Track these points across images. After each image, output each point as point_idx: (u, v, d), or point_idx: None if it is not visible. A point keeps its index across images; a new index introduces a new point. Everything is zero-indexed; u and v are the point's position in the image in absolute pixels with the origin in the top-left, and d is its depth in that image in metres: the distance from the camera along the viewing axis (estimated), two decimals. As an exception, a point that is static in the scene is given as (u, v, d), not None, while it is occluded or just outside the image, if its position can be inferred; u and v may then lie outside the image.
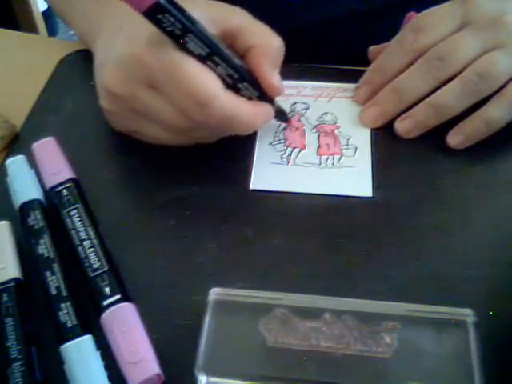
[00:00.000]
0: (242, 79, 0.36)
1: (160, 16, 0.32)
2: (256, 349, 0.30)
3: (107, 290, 0.32)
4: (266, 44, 0.37)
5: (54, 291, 0.32)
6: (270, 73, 0.37)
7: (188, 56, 0.34)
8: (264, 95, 0.38)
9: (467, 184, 0.39)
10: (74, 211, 0.36)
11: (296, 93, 0.45)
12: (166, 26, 0.32)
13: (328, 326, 0.30)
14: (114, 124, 0.40)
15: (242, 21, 0.37)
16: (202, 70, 0.34)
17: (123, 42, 0.36)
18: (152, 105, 0.36)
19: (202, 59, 0.34)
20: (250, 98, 0.37)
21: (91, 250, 0.34)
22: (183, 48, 0.34)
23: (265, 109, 0.38)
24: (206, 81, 0.34)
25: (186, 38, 0.33)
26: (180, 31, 0.33)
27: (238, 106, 0.36)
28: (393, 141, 0.41)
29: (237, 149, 0.40)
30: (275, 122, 0.42)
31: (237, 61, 0.36)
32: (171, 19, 0.32)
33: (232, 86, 0.36)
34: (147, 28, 0.33)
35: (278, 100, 0.40)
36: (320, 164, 0.40)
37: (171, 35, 0.33)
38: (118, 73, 0.36)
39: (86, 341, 0.30)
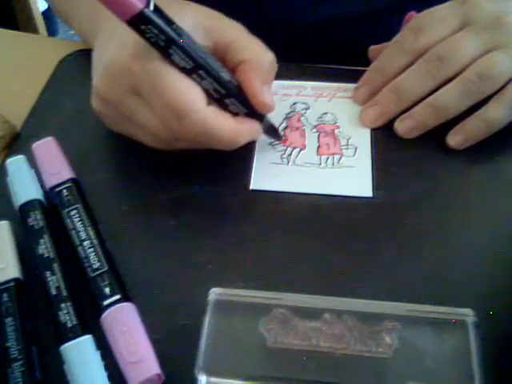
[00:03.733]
0: (229, 95, 0.36)
1: (143, 27, 0.32)
2: (256, 349, 0.30)
3: (107, 290, 0.32)
4: (256, 59, 0.36)
5: (53, 291, 0.32)
6: (260, 89, 0.36)
7: (172, 67, 0.34)
8: (254, 112, 0.37)
9: (467, 184, 0.39)
10: (74, 211, 0.36)
11: (296, 93, 0.45)
12: (150, 36, 0.32)
13: (328, 325, 0.30)
14: (107, 125, 0.40)
15: (235, 34, 0.37)
16: (184, 82, 0.34)
17: (114, 48, 0.36)
18: (137, 112, 0.36)
19: (187, 72, 0.34)
20: (237, 114, 0.37)
21: (91, 250, 0.34)
22: (168, 58, 0.33)
23: (250, 126, 0.37)
24: (186, 94, 0.34)
25: (170, 50, 0.33)
26: (164, 42, 0.32)
27: (218, 121, 0.35)
28: (393, 141, 0.41)
29: (237, 149, 0.40)
30: (275, 123, 0.42)
31: (225, 75, 0.35)
32: (154, 31, 0.32)
33: (219, 100, 0.36)
34: (134, 37, 0.33)
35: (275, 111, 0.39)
36: (320, 164, 0.40)
37: (155, 46, 0.33)
38: (107, 78, 0.36)
39: (86, 341, 0.30)
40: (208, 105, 0.35)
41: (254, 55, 0.37)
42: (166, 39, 0.32)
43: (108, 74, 0.36)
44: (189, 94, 0.34)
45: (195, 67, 0.34)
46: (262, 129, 0.39)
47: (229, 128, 0.36)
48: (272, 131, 0.41)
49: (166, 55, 0.33)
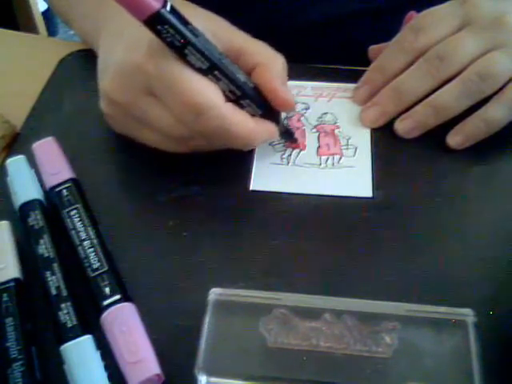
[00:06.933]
0: (245, 96, 0.36)
1: (159, 27, 0.32)
2: (256, 349, 0.30)
3: (107, 290, 0.32)
4: (271, 62, 0.37)
5: (54, 291, 0.32)
6: (282, 88, 0.36)
7: (188, 67, 0.34)
8: (270, 114, 0.37)
9: (467, 184, 0.39)
10: (74, 211, 0.36)
11: (296, 93, 0.45)
12: (166, 36, 0.32)
13: (328, 326, 0.30)
14: (114, 128, 0.40)
15: (243, 40, 0.37)
16: (201, 80, 0.34)
17: (124, 48, 0.36)
18: (150, 112, 0.36)
19: (203, 72, 0.34)
20: (253, 116, 0.37)
21: (91, 249, 0.34)
22: (184, 59, 0.33)
23: (268, 127, 0.38)
24: (204, 90, 0.34)
25: (186, 50, 0.33)
26: (179, 43, 0.32)
27: (237, 119, 0.35)
28: (393, 141, 0.41)
29: (237, 149, 0.40)
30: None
31: (241, 77, 0.35)
32: (171, 31, 0.32)
33: (235, 102, 0.36)
34: (148, 35, 0.33)
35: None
36: (320, 164, 0.40)
37: (171, 46, 0.33)
38: (118, 80, 0.36)
39: (86, 341, 0.30)
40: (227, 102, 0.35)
41: (268, 58, 0.37)
42: (182, 39, 0.32)
43: (120, 75, 0.36)
44: (207, 91, 0.34)
45: (211, 68, 0.34)
46: (279, 131, 0.39)
47: (247, 126, 0.36)
48: (287, 134, 0.41)
49: (182, 55, 0.33)
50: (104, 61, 0.38)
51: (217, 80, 0.34)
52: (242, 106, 0.36)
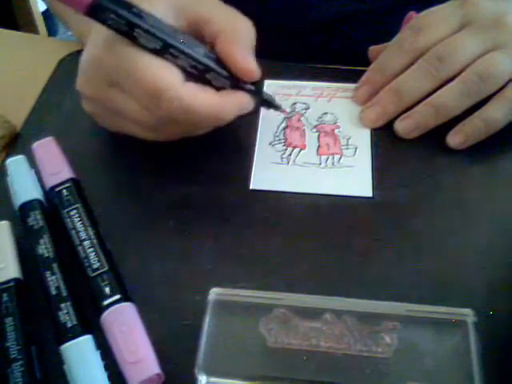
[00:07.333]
0: (208, 69, 0.35)
1: (101, 14, 0.32)
2: (256, 349, 0.30)
3: (107, 289, 0.32)
4: (233, 29, 0.36)
5: (53, 291, 0.32)
6: (241, 56, 0.35)
7: (143, 51, 0.34)
8: (241, 83, 0.36)
9: (467, 184, 0.39)
10: (74, 211, 0.36)
11: (296, 93, 0.45)
12: (111, 24, 0.33)
13: (328, 325, 0.30)
14: (101, 124, 0.40)
15: (208, 8, 0.36)
16: (156, 62, 0.34)
17: (88, 45, 0.36)
18: (118, 103, 0.36)
19: (159, 53, 0.34)
20: (222, 88, 0.36)
21: (91, 249, 0.34)
22: (138, 44, 0.34)
23: (235, 98, 0.36)
24: (160, 73, 0.34)
25: (135, 33, 0.33)
26: (126, 27, 0.33)
27: (196, 97, 0.34)
28: (393, 141, 0.41)
29: (237, 149, 0.40)
30: (275, 122, 0.42)
31: (200, 50, 0.35)
32: (113, 16, 0.32)
33: (199, 77, 0.35)
34: (104, 30, 0.34)
35: (280, 98, 0.39)
36: (320, 164, 0.40)
37: (120, 32, 0.33)
38: (85, 76, 0.37)
39: (86, 341, 0.30)
40: (186, 82, 0.34)
41: (231, 25, 0.36)
42: (126, 23, 0.33)
43: (84, 71, 0.37)
44: (161, 72, 0.34)
45: (165, 46, 0.34)
46: (255, 101, 0.37)
47: (207, 103, 0.34)
48: (268, 103, 0.39)
49: (133, 39, 0.33)
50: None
51: (174, 58, 0.34)
52: (208, 81, 0.35)
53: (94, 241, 0.34)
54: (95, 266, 0.33)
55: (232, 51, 0.35)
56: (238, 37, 0.35)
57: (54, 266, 0.33)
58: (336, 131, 0.42)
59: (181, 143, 0.39)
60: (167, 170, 0.40)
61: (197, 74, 0.35)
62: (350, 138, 0.42)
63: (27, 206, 0.36)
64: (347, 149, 0.41)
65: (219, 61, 0.35)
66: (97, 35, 0.36)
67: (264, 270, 0.34)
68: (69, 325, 0.31)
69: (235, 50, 0.35)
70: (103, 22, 0.33)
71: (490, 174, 0.39)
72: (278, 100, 0.40)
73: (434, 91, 0.40)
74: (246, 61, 0.35)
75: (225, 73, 0.35)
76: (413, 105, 0.41)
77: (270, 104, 0.40)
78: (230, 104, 0.36)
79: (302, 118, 0.43)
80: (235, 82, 0.36)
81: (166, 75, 0.34)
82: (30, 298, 0.33)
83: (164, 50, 0.34)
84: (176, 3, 0.36)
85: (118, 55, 0.34)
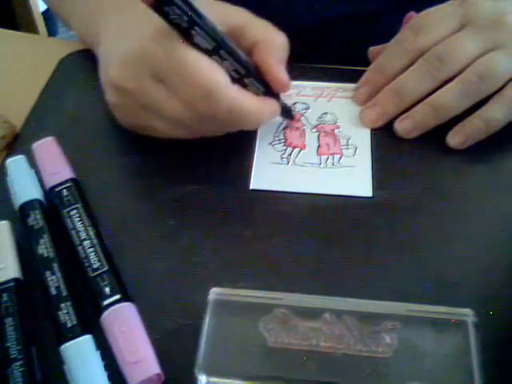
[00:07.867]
0: (248, 74, 0.36)
1: (167, 8, 0.32)
2: (256, 349, 0.30)
3: (107, 289, 0.32)
4: (270, 40, 0.37)
5: (53, 291, 0.32)
6: (277, 67, 0.37)
7: (194, 49, 0.34)
8: (269, 92, 0.38)
9: (467, 184, 0.39)
10: (74, 211, 0.36)
11: (296, 93, 0.45)
12: (173, 18, 0.33)
13: (328, 326, 0.30)
14: (121, 120, 0.40)
15: (245, 19, 0.37)
16: (207, 62, 0.34)
17: (130, 37, 0.36)
18: (158, 98, 0.36)
19: (209, 53, 0.34)
20: (255, 94, 0.37)
21: (91, 249, 0.34)
22: (189, 41, 0.34)
23: (271, 105, 0.38)
24: (211, 73, 0.34)
25: (193, 31, 0.33)
26: (187, 24, 0.33)
27: (244, 98, 0.36)
28: (393, 141, 0.41)
29: (237, 149, 0.40)
30: (275, 122, 0.42)
31: (243, 56, 0.36)
32: (178, 12, 0.32)
33: (238, 81, 0.36)
34: (153, 23, 0.33)
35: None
36: (320, 164, 0.40)
37: (178, 28, 0.33)
38: (126, 67, 0.36)
39: (86, 341, 0.30)
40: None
41: (268, 36, 0.37)
42: (188, 20, 0.33)
43: (127, 61, 0.36)
44: (214, 72, 0.34)
45: (216, 48, 0.34)
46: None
47: (254, 105, 0.36)
48: (286, 111, 0.41)
49: (188, 37, 0.34)
50: (108, 54, 0.38)
51: (222, 60, 0.35)
52: (245, 85, 0.36)
53: (94, 241, 0.34)
54: (95, 266, 0.33)
55: (269, 62, 0.37)
56: (275, 48, 0.37)
57: (54, 266, 0.33)
58: (336, 131, 0.42)
59: (181, 143, 0.39)
60: (167, 170, 0.40)
61: (236, 77, 0.36)
62: (350, 138, 0.42)
63: (27, 206, 0.36)
64: (347, 149, 0.41)
65: (256, 68, 0.37)
66: (139, 28, 0.35)
67: (264, 270, 0.34)
68: (69, 325, 0.31)
69: (272, 60, 0.37)
70: (165, 15, 0.32)
71: (490, 174, 0.39)
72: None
73: (434, 91, 0.40)
74: (280, 73, 0.37)
75: (262, 79, 0.37)
76: (413, 105, 0.41)
77: (288, 113, 0.42)
78: (268, 109, 0.38)
79: (301, 118, 0.43)
80: (268, 90, 0.38)
81: (216, 75, 0.34)
82: (30, 298, 0.33)
83: (214, 51, 0.34)
84: (219, 9, 0.36)
85: (168, 49, 0.34)
